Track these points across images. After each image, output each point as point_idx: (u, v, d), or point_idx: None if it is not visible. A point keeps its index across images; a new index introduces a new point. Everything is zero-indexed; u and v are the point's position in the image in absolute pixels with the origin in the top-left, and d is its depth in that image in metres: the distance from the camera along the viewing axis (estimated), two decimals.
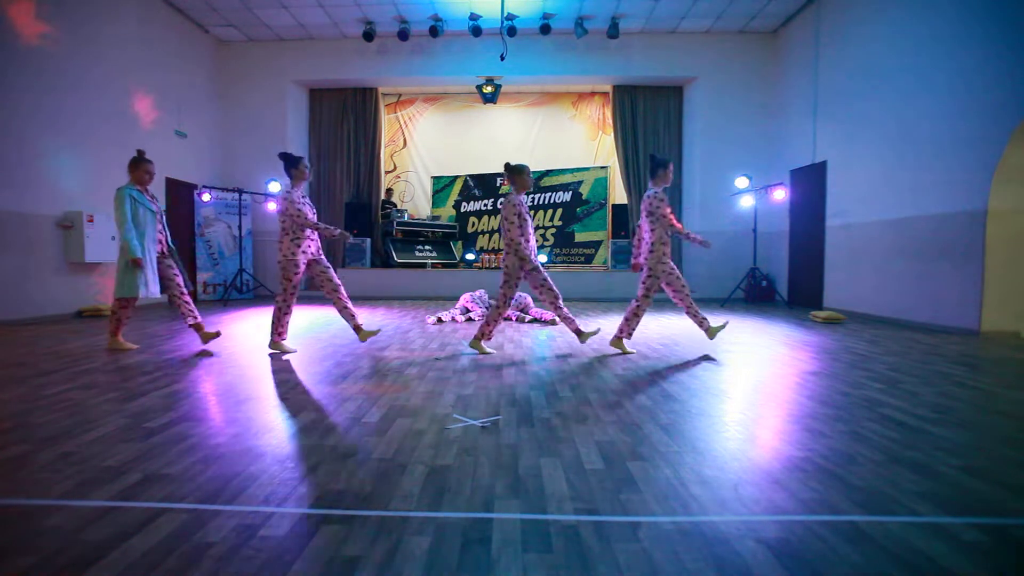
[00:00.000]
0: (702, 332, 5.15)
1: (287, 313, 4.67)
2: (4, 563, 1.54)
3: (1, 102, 6.21)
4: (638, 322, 4.76)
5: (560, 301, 4.72)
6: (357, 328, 4.82)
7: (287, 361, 4.39)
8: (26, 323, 6.33)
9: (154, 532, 1.70)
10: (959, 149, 6.00)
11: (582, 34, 9.62)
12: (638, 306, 4.67)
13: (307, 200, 4.75)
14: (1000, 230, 5.65)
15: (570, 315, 4.81)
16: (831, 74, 8.37)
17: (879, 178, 7.26)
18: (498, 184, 11.71)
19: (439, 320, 6.89)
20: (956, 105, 6.04)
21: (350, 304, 4.80)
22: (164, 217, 4.96)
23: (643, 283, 4.66)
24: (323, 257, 4.76)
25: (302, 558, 1.56)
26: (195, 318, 4.86)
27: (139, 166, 4.73)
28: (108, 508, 1.85)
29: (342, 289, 4.75)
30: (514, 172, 4.67)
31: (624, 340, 4.81)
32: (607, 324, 6.75)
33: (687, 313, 4.81)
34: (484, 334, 4.75)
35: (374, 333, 4.91)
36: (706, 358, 4.55)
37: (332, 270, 4.76)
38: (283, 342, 4.72)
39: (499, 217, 4.76)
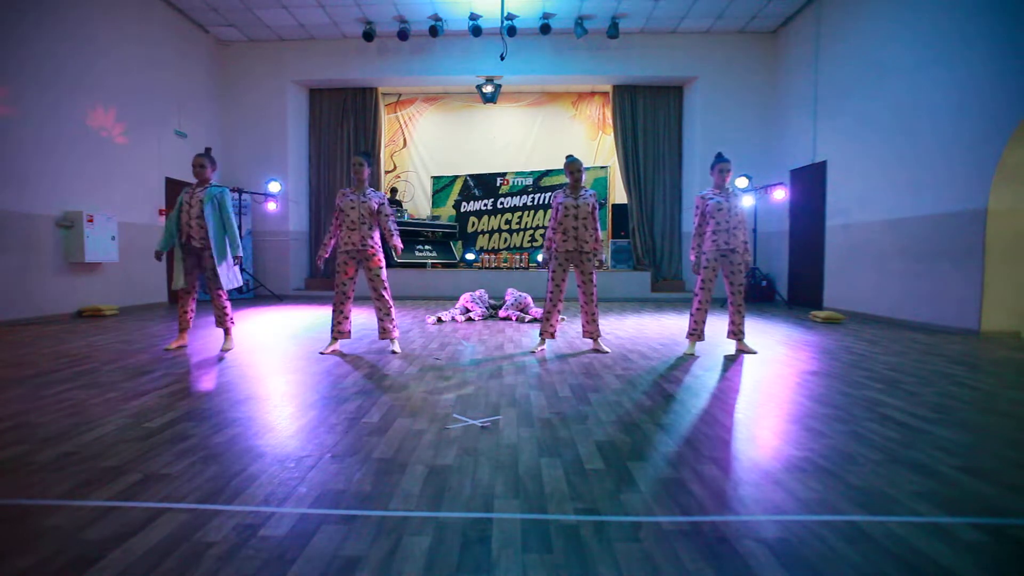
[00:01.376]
0: (709, 334, 5.19)
1: (335, 310, 4.68)
2: (4, 563, 1.54)
3: (2, 102, 6.21)
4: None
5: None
6: (391, 338, 4.81)
7: (287, 360, 4.39)
8: (26, 323, 6.33)
9: (154, 532, 1.70)
10: (959, 149, 6.00)
11: (582, 34, 9.61)
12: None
13: (357, 199, 4.58)
14: (1000, 230, 5.65)
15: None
16: (831, 74, 8.37)
17: (879, 178, 7.26)
18: (498, 184, 11.71)
19: (439, 320, 6.89)
20: (956, 105, 6.04)
21: (393, 315, 4.77)
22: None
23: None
24: (374, 259, 4.63)
25: (302, 558, 1.56)
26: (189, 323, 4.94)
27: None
28: (108, 508, 1.85)
29: (384, 300, 4.70)
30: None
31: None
32: (607, 325, 6.74)
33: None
34: (596, 333, 4.90)
35: (396, 352, 4.79)
36: (706, 358, 4.55)
37: (379, 279, 4.67)
38: (329, 344, 4.73)
39: (569, 206, 4.75)
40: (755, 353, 4.73)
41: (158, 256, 4.74)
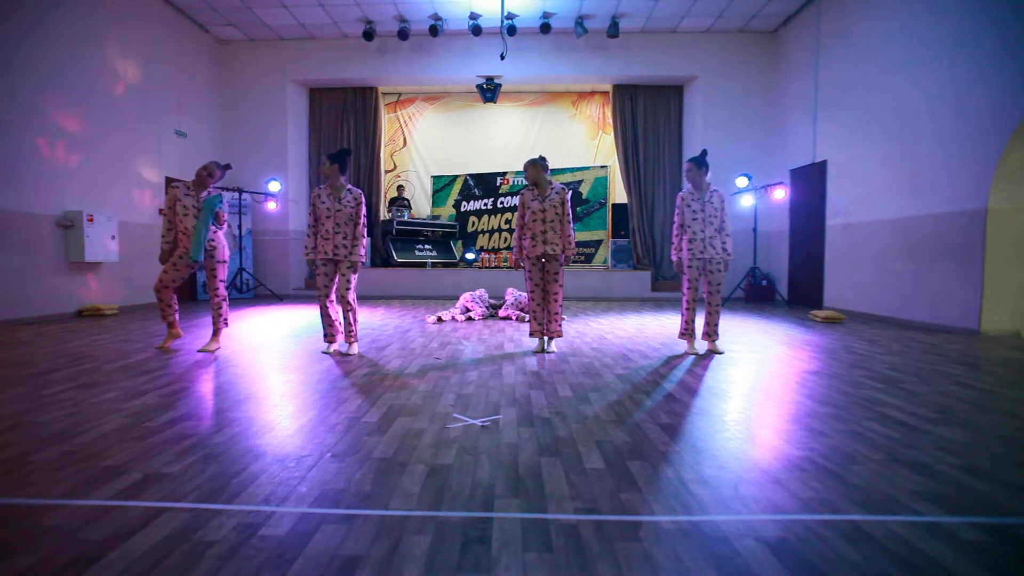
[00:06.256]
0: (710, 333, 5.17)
1: (323, 313, 4.63)
2: (4, 563, 1.54)
3: (1, 102, 6.21)
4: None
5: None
6: (352, 340, 4.70)
7: (287, 360, 4.39)
8: (26, 323, 6.33)
9: (154, 532, 1.69)
10: (959, 148, 6.00)
11: (582, 33, 9.61)
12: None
13: (333, 206, 4.51)
14: (1000, 230, 5.65)
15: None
16: (831, 73, 8.37)
17: (879, 178, 7.26)
18: (498, 183, 11.71)
19: (439, 320, 6.89)
20: (956, 104, 6.04)
21: (352, 320, 4.63)
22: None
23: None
24: (343, 262, 4.54)
25: (302, 558, 1.56)
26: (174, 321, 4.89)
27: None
28: (108, 508, 1.85)
29: (346, 302, 4.56)
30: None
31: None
32: (606, 324, 6.75)
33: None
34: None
35: (351, 354, 4.66)
36: (707, 358, 4.55)
37: (346, 279, 4.53)
38: (328, 345, 4.69)
39: (536, 210, 4.72)
40: (721, 353, 4.68)
41: (163, 260, 4.66)
